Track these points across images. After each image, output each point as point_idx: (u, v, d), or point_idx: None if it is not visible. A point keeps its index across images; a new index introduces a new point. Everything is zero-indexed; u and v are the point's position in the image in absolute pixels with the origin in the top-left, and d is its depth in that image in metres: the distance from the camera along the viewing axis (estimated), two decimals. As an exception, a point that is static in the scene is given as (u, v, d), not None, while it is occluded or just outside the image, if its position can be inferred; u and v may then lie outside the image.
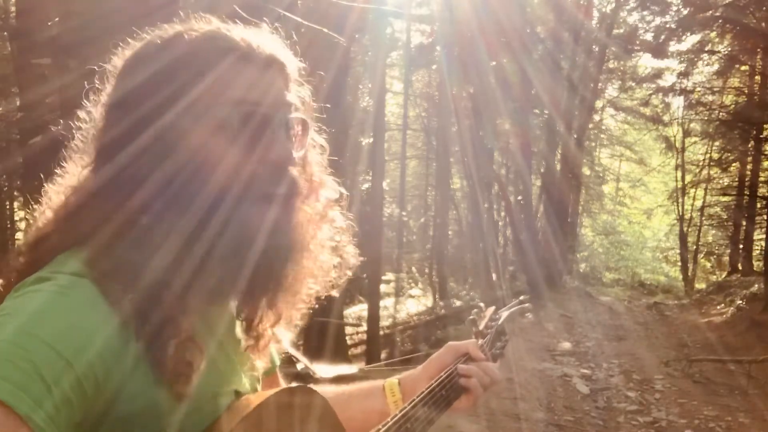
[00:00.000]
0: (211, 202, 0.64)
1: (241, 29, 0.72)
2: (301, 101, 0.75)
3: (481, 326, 1.12)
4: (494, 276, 12.88)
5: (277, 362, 0.94)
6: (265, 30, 0.75)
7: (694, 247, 19.42)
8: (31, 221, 0.72)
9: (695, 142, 19.55)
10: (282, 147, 0.69)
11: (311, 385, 1.00)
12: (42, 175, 0.74)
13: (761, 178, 15.19)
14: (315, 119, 0.80)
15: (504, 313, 1.20)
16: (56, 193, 0.71)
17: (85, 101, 0.72)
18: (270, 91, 0.69)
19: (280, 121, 0.69)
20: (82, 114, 0.72)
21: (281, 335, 0.82)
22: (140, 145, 0.65)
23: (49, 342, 0.54)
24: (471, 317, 1.14)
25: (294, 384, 0.81)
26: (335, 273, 0.82)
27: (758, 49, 13.11)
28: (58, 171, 0.73)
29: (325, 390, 1.00)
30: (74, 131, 0.73)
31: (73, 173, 0.72)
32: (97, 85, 0.72)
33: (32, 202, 0.74)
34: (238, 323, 0.79)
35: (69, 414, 0.55)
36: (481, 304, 1.19)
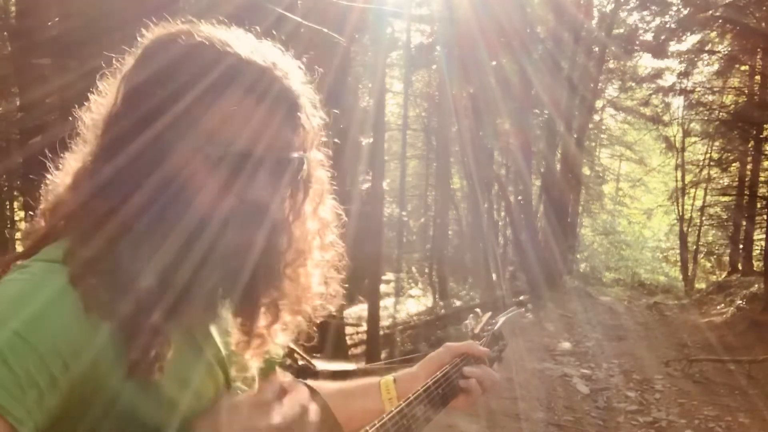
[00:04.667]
0: (187, 221, 0.64)
1: (256, 47, 0.69)
2: (309, 131, 0.73)
3: (477, 329, 1.14)
4: (494, 276, 12.88)
5: (278, 359, 0.93)
6: (281, 52, 0.73)
7: (694, 247, 19.41)
8: (34, 214, 0.73)
9: (695, 142, 19.55)
10: (263, 189, 0.67)
11: (310, 382, 1.01)
12: (42, 175, 0.74)
13: (761, 178, 15.18)
14: (322, 138, 0.78)
15: (501, 318, 1.21)
16: (54, 185, 0.72)
17: (90, 98, 0.72)
18: (265, 130, 0.66)
19: (268, 163, 0.67)
20: (84, 110, 0.72)
21: (277, 337, 0.81)
22: (135, 149, 0.65)
23: (18, 332, 0.55)
24: (466, 321, 1.16)
25: (293, 383, 0.81)
26: (329, 289, 0.83)
27: (758, 49, 13.10)
28: (59, 164, 0.73)
29: (322, 387, 1.00)
30: (77, 126, 0.73)
31: (71, 168, 0.72)
32: (103, 83, 0.72)
33: (33, 199, 0.74)
34: (232, 323, 0.79)
35: (44, 405, 0.56)
36: (478, 310, 1.21)
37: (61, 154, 0.74)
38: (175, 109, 0.64)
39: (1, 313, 0.57)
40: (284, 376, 0.98)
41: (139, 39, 0.71)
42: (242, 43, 0.69)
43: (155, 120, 0.65)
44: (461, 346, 1.05)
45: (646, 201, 25.78)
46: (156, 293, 0.63)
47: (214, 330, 0.75)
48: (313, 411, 0.77)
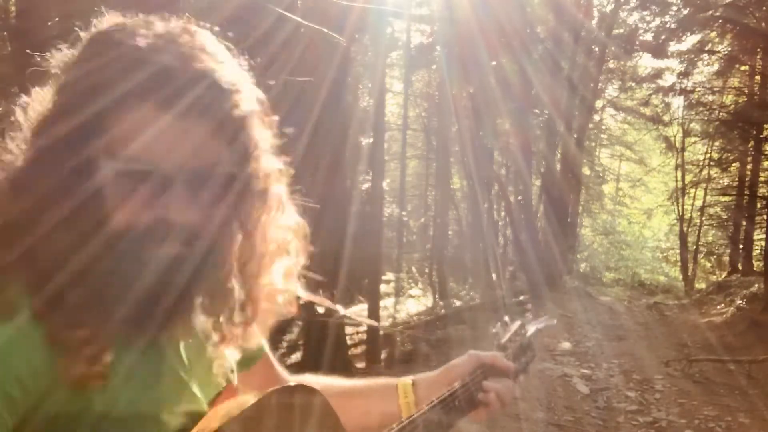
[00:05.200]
0: (103, 237, 0.62)
1: (191, 51, 0.63)
2: (250, 142, 0.68)
3: (504, 340, 1.09)
4: (494, 276, 12.87)
5: (264, 347, 0.92)
6: (227, 54, 0.68)
7: (694, 247, 19.41)
8: None
9: (695, 142, 19.56)
10: (180, 207, 0.62)
11: (312, 381, 1.00)
12: None
13: (761, 178, 15.19)
14: (273, 147, 0.74)
15: (531, 328, 1.16)
16: None
17: (25, 95, 0.68)
18: (182, 145, 0.61)
19: (185, 180, 0.62)
20: (19, 108, 0.68)
21: (249, 335, 0.78)
22: (60, 160, 0.62)
23: None
24: (494, 330, 1.11)
25: (293, 383, 0.81)
26: (283, 296, 0.80)
27: (758, 49, 13.11)
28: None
29: (333, 384, 0.99)
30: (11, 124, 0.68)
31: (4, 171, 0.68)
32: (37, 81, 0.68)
33: None
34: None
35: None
36: (506, 318, 1.15)
37: None
38: (93, 119, 0.61)
39: None
40: (286, 376, 0.98)
41: (81, 33, 0.68)
42: (175, 46, 0.63)
43: (78, 129, 0.61)
44: (485, 356, 1.01)
45: (646, 201, 25.78)
46: (81, 307, 0.61)
47: (175, 340, 0.72)
48: (314, 412, 0.76)
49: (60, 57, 0.67)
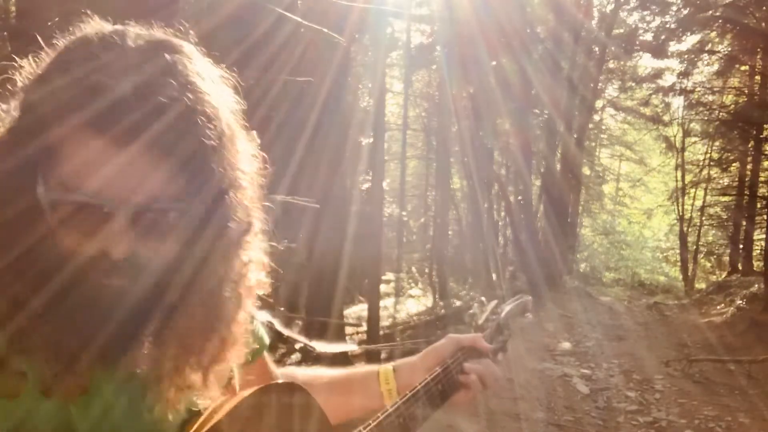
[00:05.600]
0: (42, 268, 0.59)
1: (155, 69, 0.59)
2: (215, 172, 0.63)
3: (481, 320, 1.11)
4: (494, 276, 12.88)
5: (266, 342, 0.90)
6: (201, 67, 0.63)
7: (694, 247, 19.42)
8: None
9: (695, 142, 19.56)
10: (120, 240, 0.58)
11: (299, 374, 1.00)
12: None
13: (761, 178, 15.19)
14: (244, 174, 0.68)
15: (506, 308, 1.18)
16: None
17: None
18: (126, 182, 0.57)
19: (129, 213, 0.58)
20: None
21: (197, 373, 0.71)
22: (8, 178, 0.60)
23: None
24: (471, 311, 1.13)
25: (278, 381, 0.80)
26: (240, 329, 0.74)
27: (758, 49, 13.11)
28: None
29: (316, 379, 1.00)
30: None
31: None
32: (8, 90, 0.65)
33: None
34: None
35: None
36: (483, 299, 1.17)
37: None
38: (42, 145, 0.58)
39: None
40: (276, 372, 0.98)
41: (55, 40, 0.64)
42: (139, 71, 0.58)
43: (26, 155, 0.58)
44: (465, 338, 1.02)
45: (646, 201, 25.79)
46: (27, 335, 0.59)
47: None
48: (298, 410, 0.76)
49: (25, 72, 0.64)
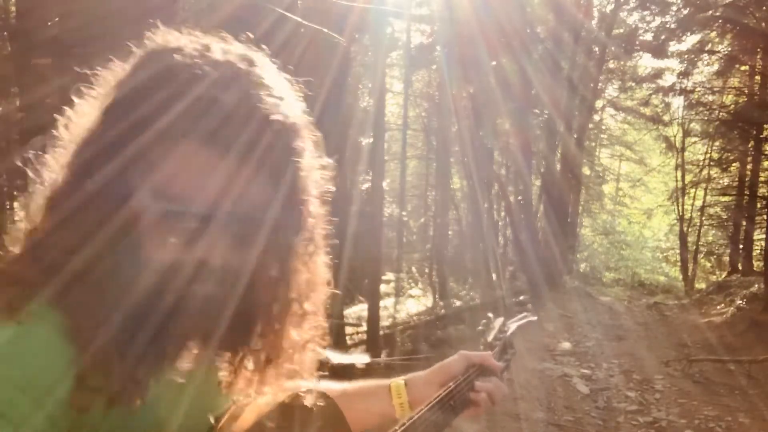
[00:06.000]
0: (137, 272, 0.60)
1: (250, 81, 0.61)
2: (299, 184, 0.66)
3: (490, 338, 1.11)
4: (494, 276, 12.88)
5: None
6: (284, 85, 0.65)
7: (694, 247, 19.41)
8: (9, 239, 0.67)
9: (695, 142, 19.55)
10: (214, 248, 0.60)
11: (321, 388, 1.01)
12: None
13: (761, 178, 15.18)
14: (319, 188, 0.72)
15: (513, 326, 1.19)
16: (28, 212, 0.66)
17: (67, 111, 0.66)
18: (228, 187, 0.59)
19: (227, 222, 0.60)
20: (61, 123, 0.66)
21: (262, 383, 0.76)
22: (101, 182, 0.60)
23: (15, 384, 0.54)
24: (480, 328, 1.13)
25: (306, 388, 0.81)
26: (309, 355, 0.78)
27: (758, 49, 13.10)
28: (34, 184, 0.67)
29: (329, 387, 0.99)
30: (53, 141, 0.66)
31: (45, 190, 0.66)
32: (83, 96, 0.66)
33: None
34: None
35: None
36: (490, 315, 1.17)
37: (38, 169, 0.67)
38: (138, 149, 0.58)
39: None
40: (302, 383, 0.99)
41: (133, 48, 0.65)
42: (236, 82, 0.61)
43: (121, 158, 0.59)
44: (476, 356, 1.02)
45: (646, 201, 25.78)
46: (119, 338, 0.60)
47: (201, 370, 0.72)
48: (326, 416, 0.77)
49: (110, 73, 0.64)
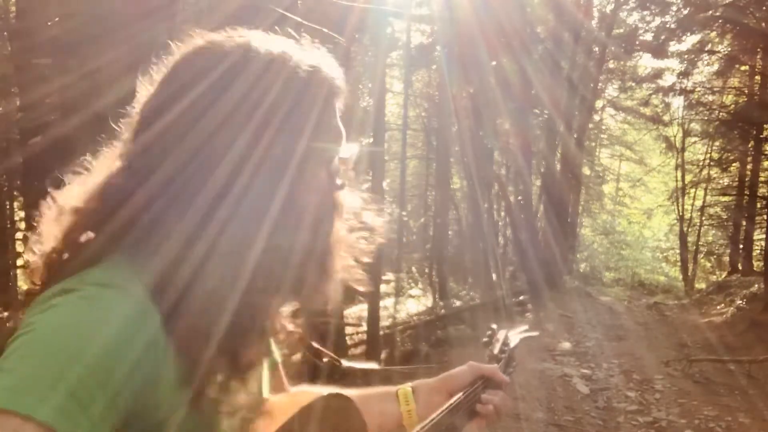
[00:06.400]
0: (258, 233, 0.62)
1: (305, 50, 0.71)
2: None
3: (496, 350, 1.10)
4: (494, 276, 12.88)
5: (277, 359, 0.92)
6: (322, 53, 0.74)
7: (694, 247, 19.41)
8: (48, 218, 0.65)
9: (695, 142, 19.55)
10: (335, 183, 0.73)
11: (342, 392, 1.01)
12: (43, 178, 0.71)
13: (761, 178, 15.19)
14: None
15: (516, 338, 1.19)
16: (84, 187, 0.65)
17: (140, 82, 0.66)
18: (341, 128, 0.73)
19: (338, 158, 0.73)
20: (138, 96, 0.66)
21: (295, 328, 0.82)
22: (190, 150, 0.60)
23: (82, 361, 0.51)
24: (484, 340, 1.12)
25: (330, 391, 0.82)
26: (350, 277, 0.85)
27: (758, 49, 13.11)
28: (88, 159, 0.67)
29: (347, 391, 1.01)
30: (120, 117, 0.67)
31: (103, 169, 0.66)
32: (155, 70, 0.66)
33: (33, 202, 0.72)
34: None
35: (105, 429, 0.53)
36: (494, 326, 1.17)
37: (79, 160, 0.67)
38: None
39: (74, 344, 0.52)
40: (288, 387, 0.98)
41: (191, 43, 0.68)
42: (326, 62, 0.72)
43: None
44: (485, 369, 1.02)
45: (646, 201, 25.78)
46: (230, 320, 0.60)
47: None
48: (350, 418, 0.80)
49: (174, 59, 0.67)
